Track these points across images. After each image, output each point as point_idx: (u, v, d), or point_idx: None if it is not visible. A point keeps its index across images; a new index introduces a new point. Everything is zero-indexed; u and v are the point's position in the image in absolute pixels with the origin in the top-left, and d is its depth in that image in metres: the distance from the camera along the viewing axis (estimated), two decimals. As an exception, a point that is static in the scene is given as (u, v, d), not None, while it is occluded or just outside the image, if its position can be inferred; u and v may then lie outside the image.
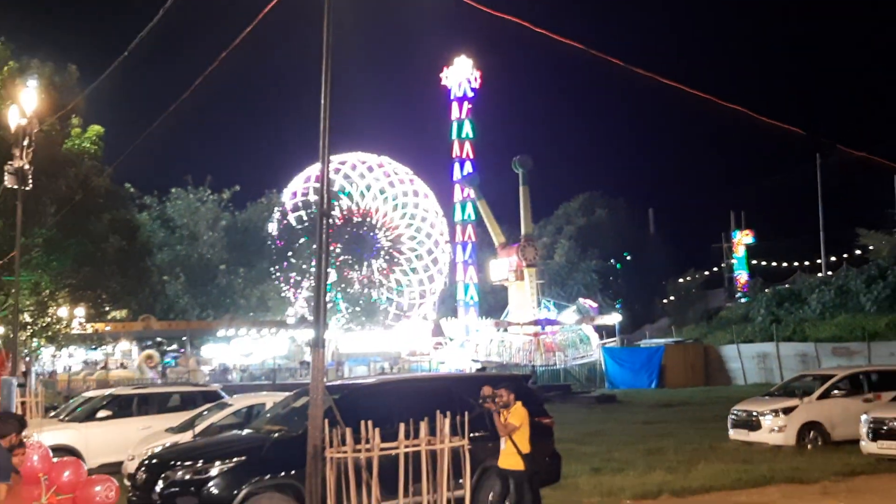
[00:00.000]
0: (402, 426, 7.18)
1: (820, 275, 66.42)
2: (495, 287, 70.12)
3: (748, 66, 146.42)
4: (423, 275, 78.53)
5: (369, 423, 7.06)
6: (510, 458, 11.08)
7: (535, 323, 59.61)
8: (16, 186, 18.75)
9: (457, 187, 69.92)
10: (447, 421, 7.11)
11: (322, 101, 7.84)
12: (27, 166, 18.66)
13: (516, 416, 11.00)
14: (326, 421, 7.36)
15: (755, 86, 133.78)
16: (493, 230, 66.42)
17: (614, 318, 63.69)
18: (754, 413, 21.09)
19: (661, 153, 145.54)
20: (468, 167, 69.33)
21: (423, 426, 7.18)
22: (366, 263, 75.54)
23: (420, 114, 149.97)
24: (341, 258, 70.60)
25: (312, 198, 71.61)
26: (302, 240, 68.68)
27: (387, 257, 78.19)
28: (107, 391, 22.37)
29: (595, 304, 66.81)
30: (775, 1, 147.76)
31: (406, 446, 7.18)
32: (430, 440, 7.16)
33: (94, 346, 53.57)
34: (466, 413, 7.69)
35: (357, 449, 7.02)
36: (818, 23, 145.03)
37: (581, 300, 67.01)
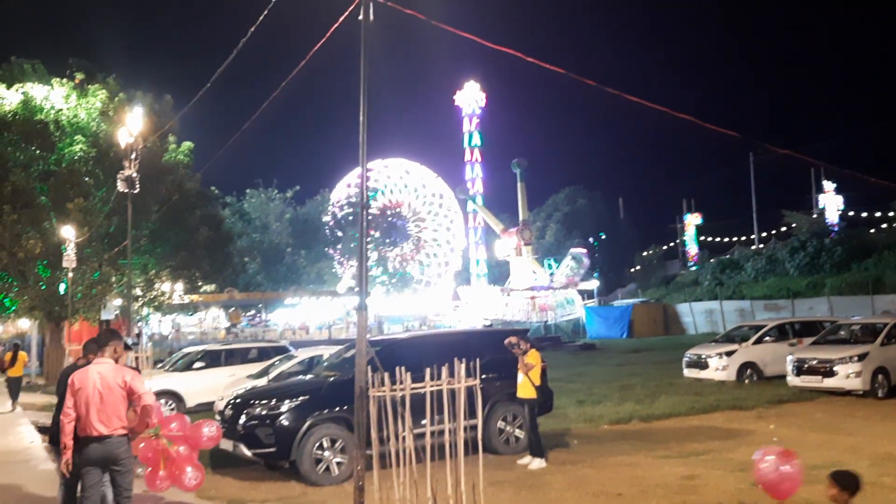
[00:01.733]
0: (427, 370, 7.21)
1: (754, 247, 66.09)
2: (500, 261, 70.00)
3: (698, 82, 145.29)
4: (445, 247, 78.54)
5: (402, 368, 7.09)
6: (526, 390, 11.31)
7: (532, 289, 59.50)
8: (126, 190, 18.86)
9: (468, 183, 69.93)
10: (462, 366, 7.14)
11: (361, 118, 7.82)
12: (134, 174, 18.73)
13: (532, 358, 11.38)
14: (369, 367, 7.39)
15: (703, 96, 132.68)
16: (491, 223, 66.38)
17: (593, 284, 63.44)
18: (703, 356, 21.06)
19: (629, 153, 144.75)
20: (478, 168, 69.25)
21: (444, 370, 7.20)
22: (399, 245, 75.78)
23: (439, 126, 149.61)
24: (380, 241, 70.86)
25: (354, 193, 71.78)
26: (350, 231, 68.96)
27: (415, 240, 78.22)
28: (200, 347, 22.51)
29: (585, 250, 66.21)
30: (722, 30, 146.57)
31: (431, 386, 7.20)
32: (449, 381, 7.18)
33: (190, 313, 53.93)
34: (478, 359, 7.71)
35: (393, 389, 7.07)
36: (756, 43, 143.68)
37: (573, 249, 66.39)
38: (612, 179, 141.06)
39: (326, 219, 71.46)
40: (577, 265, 62.13)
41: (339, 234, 69.88)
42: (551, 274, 62.68)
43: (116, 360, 7.21)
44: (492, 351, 11.92)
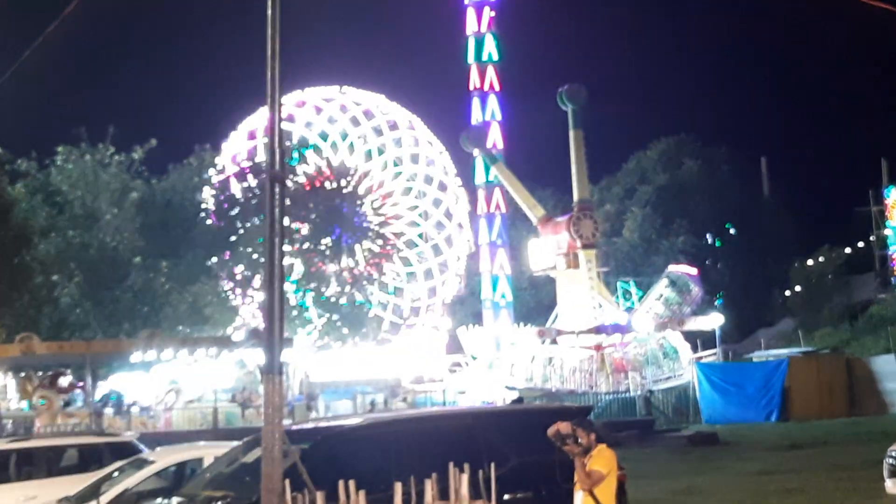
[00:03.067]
0: (398, 487, 7.24)
1: None
2: (537, 279, 70.28)
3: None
4: (434, 254, 77.90)
5: (351, 483, 7.12)
6: (589, 520, 11.24)
7: (598, 330, 59.53)
8: None
9: (467, 141, 70.13)
10: (465, 477, 7.18)
11: (269, 12, 7.89)
12: None
13: (601, 461, 11.27)
14: (288, 482, 7.43)
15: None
16: (523, 202, 66.52)
17: (714, 321, 63.50)
18: (923, 456, 21.07)
19: (778, 78, 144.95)
20: (493, 104, 69.36)
21: (430, 486, 7.24)
22: (347, 250, 75.39)
23: (420, 27, 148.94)
24: (310, 244, 70.46)
25: (262, 155, 71.16)
26: (250, 223, 68.38)
27: (377, 240, 77.95)
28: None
29: (695, 271, 66.29)
30: None
31: (406, 516, 7.24)
32: (441, 506, 7.23)
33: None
34: (494, 464, 7.73)
35: (334, 522, 7.11)
36: None
37: (672, 268, 66.44)
38: (749, 125, 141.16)
39: (206, 201, 71.05)
40: (678, 296, 62.23)
41: (234, 239, 69.32)
42: (629, 308, 62.84)
43: None
44: (522, 448, 11.94)
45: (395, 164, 78.07)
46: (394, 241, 77.91)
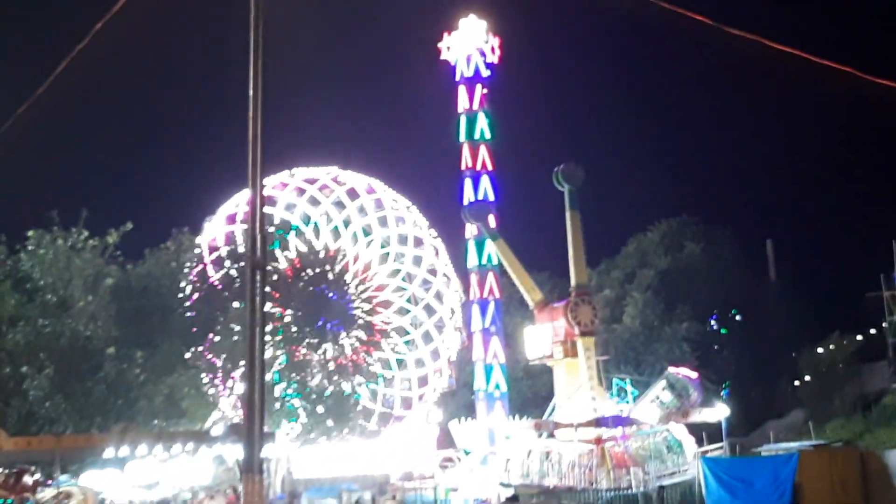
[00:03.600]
0: None
1: None
2: (533, 368, 70.01)
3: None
4: (427, 323, 77.47)
5: None
6: None
7: (598, 423, 59.23)
8: None
9: (467, 213, 70.10)
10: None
11: (251, 93, 7.85)
12: None
13: None
14: None
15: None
16: (522, 284, 66.41)
17: (720, 413, 63.25)
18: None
19: (785, 158, 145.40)
20: (486, 185, 69.38)
21: None
22: (331, 338, 75.07)
23: (408, 104, 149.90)
24: (294, 332, 70.19)
25: (241, 234, 70.94)
26: (231, 312, 67.94)
27: (364, 328, 77.61)
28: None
29: (695, 375, 66.08)
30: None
31: None
32: None
33: None
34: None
35: None
36: None
37: (672, 370, 66.17)
38: (754, 206, 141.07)
39: (184, 287, 70.78)
40: (676, 400, 62.05)
41: (215, 316, 68.98)
42: (623, 399, 62.63)
43: None
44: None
45: (366, 234, 78.29)
46: (383, 315, 77.73)
